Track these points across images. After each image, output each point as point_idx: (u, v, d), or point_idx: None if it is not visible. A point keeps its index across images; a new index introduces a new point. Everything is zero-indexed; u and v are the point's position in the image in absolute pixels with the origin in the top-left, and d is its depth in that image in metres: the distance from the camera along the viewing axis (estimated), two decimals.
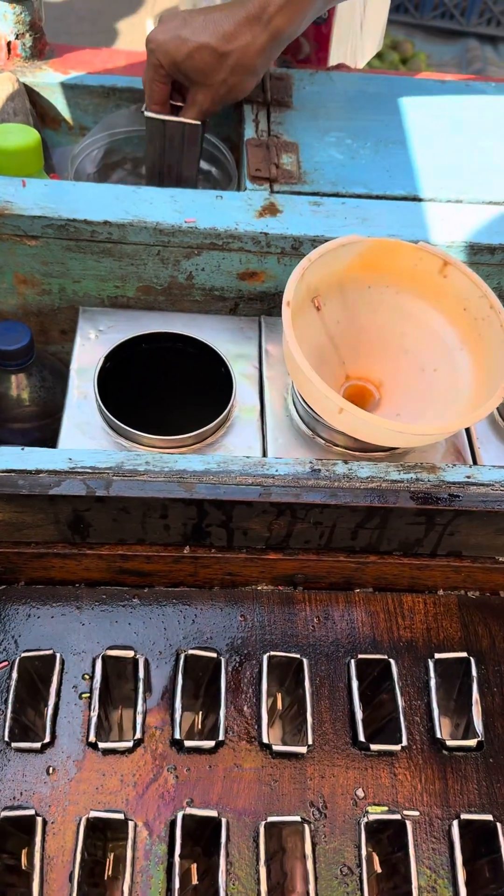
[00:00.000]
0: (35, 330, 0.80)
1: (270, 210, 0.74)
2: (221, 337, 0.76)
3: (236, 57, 0.77)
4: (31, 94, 0.94)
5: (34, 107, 0.94)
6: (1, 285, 0.76)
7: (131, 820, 0.52)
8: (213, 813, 0.52)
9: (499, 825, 0.53)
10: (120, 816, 0.51)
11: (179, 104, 0.82)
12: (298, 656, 0.58)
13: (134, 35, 2.63)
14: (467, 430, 0.71)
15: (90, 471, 0.57)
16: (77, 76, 0.94)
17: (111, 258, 0.73)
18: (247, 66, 0.78)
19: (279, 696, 0.60)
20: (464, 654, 0.59)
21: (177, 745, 0.55)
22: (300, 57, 1.09)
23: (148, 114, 0.82)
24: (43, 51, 0.96)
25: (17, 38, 0.93)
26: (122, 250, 0.73)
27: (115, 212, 0.71)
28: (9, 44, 0.93)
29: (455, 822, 0.53)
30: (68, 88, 0.94)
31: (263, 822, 0.52)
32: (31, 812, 0.51)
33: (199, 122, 0.81)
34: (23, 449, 0.58)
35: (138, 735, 0.55)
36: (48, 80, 0.93)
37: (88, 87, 0.94)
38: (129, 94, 0.93)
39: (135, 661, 0.57)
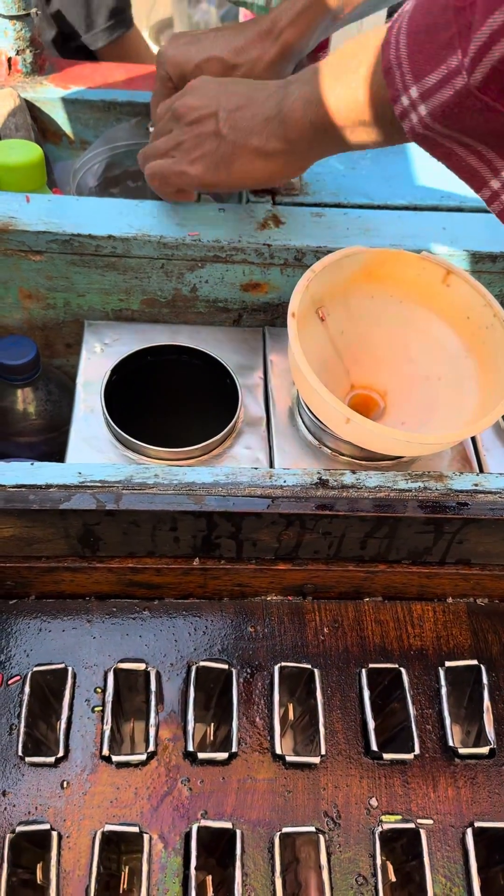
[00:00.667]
0: (40, 344, 0.80)
1: (273, 222, 0.74)
2: (226, 348, 0.76)
3: (245, 70, 0.75)
4: (32, 109, 0.94)
5: (35, 122, 0.95)
6: (6, 300, 0.77)
7: (146, 833, 0.52)
8: (228, 825, 0.52)
9: None
10: (135, 829, 0.51)
11: None
12: (309, 666, 0.58)
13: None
14: (473, 437, 0.71)
15: (100, 485, 0.57)
16: (77, 91, 0.95)
17: (115, 272, 0.74)
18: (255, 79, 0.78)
19: (290, 707, 0.60)
20: (474, 662, 0.59)
21: (190, 757, 0.55)
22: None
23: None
24: (43, 66, 0.97)
25: (17, 53, 0.94)
26: (126, 264, 0.73)
27: (119, 226, 0.71)
28: (9, 60, 0.94)
29: (469, 830, 0.53)
30: (69, 103, 0.94)
31: (278, 833, 0.52)
32: (47, 826, 0.51)
33: None
34: (32, 464, 0.58)
35: (151, 748, 0.55)
36: (49, 95, 0.94)
37: (89, 101, 0.94)
38: (129, 107, 0.94)
39: (146, 674, 0.57)
